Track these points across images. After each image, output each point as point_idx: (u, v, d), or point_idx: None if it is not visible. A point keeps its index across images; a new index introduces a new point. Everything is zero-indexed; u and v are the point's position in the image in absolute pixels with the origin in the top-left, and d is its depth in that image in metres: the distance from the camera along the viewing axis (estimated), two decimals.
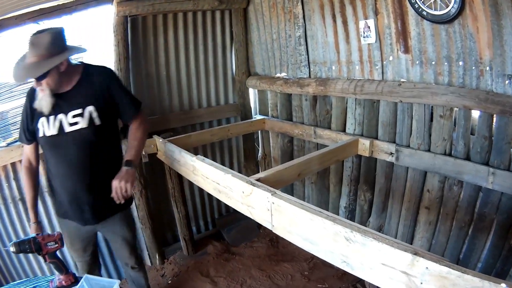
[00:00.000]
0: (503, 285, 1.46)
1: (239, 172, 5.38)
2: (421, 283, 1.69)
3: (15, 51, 3.81)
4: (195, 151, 4.71)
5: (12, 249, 2.28)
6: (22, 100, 3.83)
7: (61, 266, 2.41)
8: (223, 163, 5.30)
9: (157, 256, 4.77)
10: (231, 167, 5.41)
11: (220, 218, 5.43)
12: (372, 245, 1.83)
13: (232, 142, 5.35)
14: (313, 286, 4.10)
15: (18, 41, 3.75)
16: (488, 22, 2.67)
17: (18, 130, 3.48)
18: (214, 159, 5.13)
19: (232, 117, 5.23)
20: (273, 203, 2.42)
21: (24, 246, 2.29)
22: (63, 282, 2.39)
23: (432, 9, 2.92)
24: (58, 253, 2.48)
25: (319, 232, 2.10)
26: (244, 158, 5.47)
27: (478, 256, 3.19)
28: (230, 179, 2.84)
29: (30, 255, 3.77)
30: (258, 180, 2.78)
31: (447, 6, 2.81)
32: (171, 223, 4.98)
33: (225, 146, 5.30)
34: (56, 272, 2.44)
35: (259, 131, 5.39)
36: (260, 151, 5.51)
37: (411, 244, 3.70)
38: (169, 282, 4.41)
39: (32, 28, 3.65)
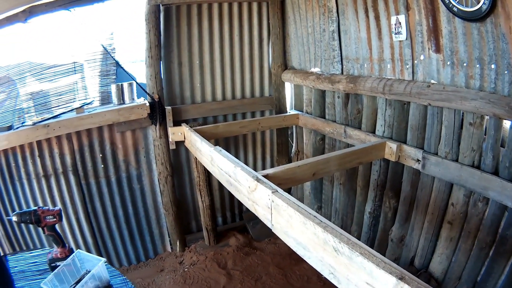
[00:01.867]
0: None
1: (271, 166, 5.24)
2: None
3: (45, 35, 3.97)
4: (226, 142, 4.66)
5: (14, 218, 2.37)
6: (53, 83, 3.97)
7: (58, 239, 2.48)
8: (255, 157, 5.22)
9: (178, 242, 4.74)
10: (263, 162, 5.31)
11: (248, 211, 5.23)
12: (358, 260, 1.67)
13: (265, 136, 5.21)
14: None
15: (48, 26, 3.88)
16: None
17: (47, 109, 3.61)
18: (245, 152, 5.08)
19: (266, 110, 5.08)
20: (273, 201, 2.32)
21: (25, 217, 2.37)
22: (59, 254, 2.45)
23: (463, 5, 2.60)
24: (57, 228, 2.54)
25: (311, 237, 1.98)
26: (277, 152, 5.29)
27: (495, 281, 2.84)
28: (239, 173, 2.75)
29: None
30: (265, 176, 2.67)
31: (478, 2, 2.48)
32: (196, 212, 4.95)
33: (258, 139, 5.16)
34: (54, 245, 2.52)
35: (293, 127, 5.18)
36: (293, 147, 5.30)
37: (431, 259, 3.42)
38: (185, 269, 4.35)
39: (63, 14, 3.75)
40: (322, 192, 4.85)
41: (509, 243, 2.70)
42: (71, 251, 2.46)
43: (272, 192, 2.32)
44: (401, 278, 1.48)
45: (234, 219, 5.32)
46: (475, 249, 2.99)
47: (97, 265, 2.14)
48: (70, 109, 4.02)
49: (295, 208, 2.09)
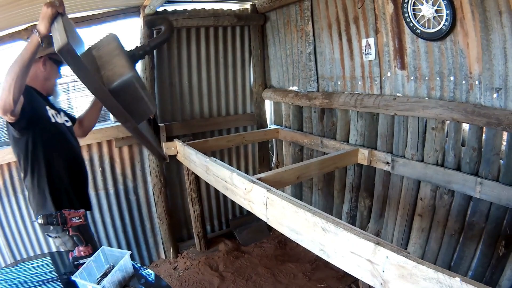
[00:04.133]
0: (458, 278, 1.47)
1: None
2: (383, 271, 1.76)
3: None
4: (213, 155, 4.85)
5: (40, 221, 2.35)
6: None
7: (82, 239, 2.48)
8: (238, 169, 5.34)
9: (171, 250, 4.86)
10: (247, 173, 5.44)
11: (234, 219, 5.48)
12: (343, 234, 1.95)
13: (248, 149, 5.43)
14: (313, 285, 4.09)
15: None
16: (478, 38, 2.68)
17: None
18: (230, 164, 5.23)
19: (249, 126, 5.31)
20: (268, 198, 2.57)
21: (51, 219, 2.36)
22: (82, 253, 2.45)
23: (425, 27, 2.95)
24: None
25: (302, 223, 2.25)
26: (259, 164, 5.51)
27: (468, 264, 3.11)
28: (236, 178, 2.97)
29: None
30: (259, 179, 2.91)
31: (439, 24, 2.83)
32: (187, 221, 5.08)
33: (241, 152, 5.37)
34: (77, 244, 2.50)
35: (273, 140, 5.44)
36: (274, 158, 5.55)
37: (406, 250, 3.62)
38: (180, 274, 4.47)
39: None
40: (302, 199, 5.09)
41: (476, 228, 2.99)
42: (93, 249, 2.49)
43: (267, 190, 2.59)
44: (377, 243, 1.79)
45: (221, 227, 5.47)
46: (446, 236, 3.27)
47: (124, 257, 2.23)
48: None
49: (288, 201, 2.39)
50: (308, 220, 2.19)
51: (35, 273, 2.44)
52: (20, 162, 2.63)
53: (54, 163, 2.66)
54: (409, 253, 1.70)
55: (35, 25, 3.52)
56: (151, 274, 2.41)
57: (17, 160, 2.64)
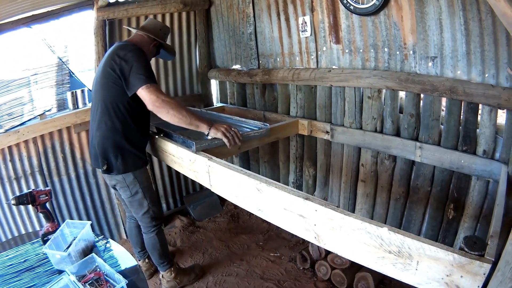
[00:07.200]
0: (385, 228, 1.48)
1: None
2: (315, 224, 1.78)
3: (10, 51, 3.90)
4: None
5: (13, 202, 2.51)
6: (18, 93, 3.98)
7: (49, 215, 2.64)
8: None
9: None
10: None
11: (187, 196, 5.23)
12: (275, 192, 1.96)
13: None
14: (266, 254, 3.99)
15: (12, 43, 3.89)
16: (412, 11, 2.59)
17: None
18: None
19: (196, 105, 5.00)
20: (209, 166, 2.51)
21: (22, 199, 2.53)
22: (50, 228, 2.59)
23: (359, 3, 2.83)
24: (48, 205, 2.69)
25: (240, 186, 2.23)
26: None
27: (418, 228, 3.03)
28: (181, 151, 2.88)
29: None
30: (201, 150, 2.84)
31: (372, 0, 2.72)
32: None
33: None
34: (44, 221, 2.65)
35: None
36: None
37: None
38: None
39: (25, 31, 3.72)
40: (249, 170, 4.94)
41: (421, 192, 2.93)
42: (59, 225, 2.58)
43: (208, 159, 2.52)
44: (306, 198, 1.80)
45: (176, 204, 5.21)
46: (391, 201, 3.20)
47: (85, 227, 2.37)
48: (34, 116, 3.93)
49: (226, 167, 2.35)
50: (245, 183, 2.17)
51: (10, 265, 2.41)
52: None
53: (138, 128, 3.08)
54: (337, 207, 1.69)
55: (1, 24, 3.45)
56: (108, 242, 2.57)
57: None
